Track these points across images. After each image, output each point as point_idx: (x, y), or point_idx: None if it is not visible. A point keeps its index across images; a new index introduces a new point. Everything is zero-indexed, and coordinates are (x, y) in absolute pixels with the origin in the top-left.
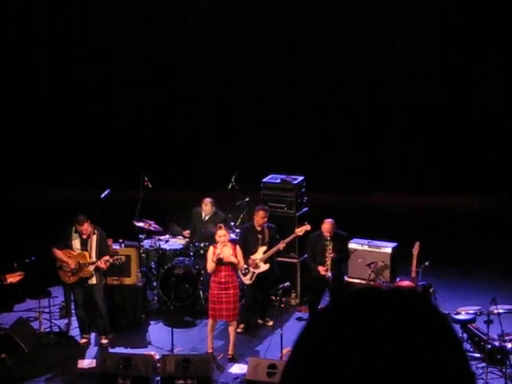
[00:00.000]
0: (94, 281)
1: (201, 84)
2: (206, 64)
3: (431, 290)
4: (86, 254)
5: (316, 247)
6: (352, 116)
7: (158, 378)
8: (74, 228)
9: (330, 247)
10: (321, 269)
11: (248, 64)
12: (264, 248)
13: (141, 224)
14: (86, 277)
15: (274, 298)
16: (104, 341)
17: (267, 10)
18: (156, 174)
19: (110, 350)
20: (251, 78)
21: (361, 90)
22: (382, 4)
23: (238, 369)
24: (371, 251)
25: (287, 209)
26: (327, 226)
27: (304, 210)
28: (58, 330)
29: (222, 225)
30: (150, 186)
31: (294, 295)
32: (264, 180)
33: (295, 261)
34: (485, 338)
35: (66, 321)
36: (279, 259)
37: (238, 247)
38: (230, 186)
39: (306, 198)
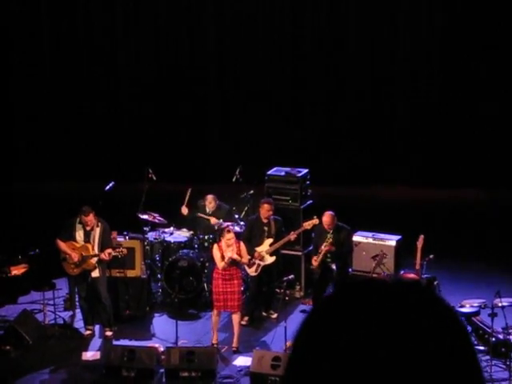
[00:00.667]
0: (97, 273)
1: (205, 77)
2: (211, 58)
3: (436, 282)
4: (89, 246)
5: (318, 240)
6: (356, 109)
7: (163, 370)
8: (77, 219)
9: (330, 240)
10: (313, 259)
11: (252, 58)
12: (270, 240)
13: (145, 216)
14: (90, 269)
15: (278, 290)
16: (108, 333)
17: (272, 9)
18: (160, 166)
19: (115, 342)
20: (256, 72)
21: (364, 84)
22: (385, 3)
23: (242, 361)
24: (375, 244)
25: (292, 201)
26: (326, 218)
27: (308, 202)
28: (62, 322)
29: (230, 229)
30: (155, 178)
31: (298, 288)
32: (268, 173)
33: (299, 253)
34: (489, 330)
35: (70, 313)
36: (284, 252)
37: (241, 244)
38: (234, 179)
39: (310, 191)
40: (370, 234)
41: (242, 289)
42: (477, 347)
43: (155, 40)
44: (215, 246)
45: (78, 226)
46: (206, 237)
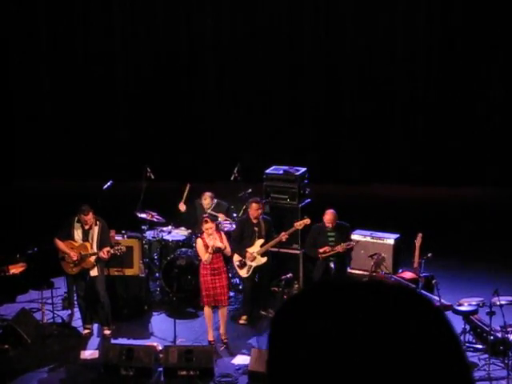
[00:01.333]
0: (95, 272)
1: (204, 76)
2: (210, 55)
3: (434, 281)
4: (88, 244)
5: (318, 238)
6: (354, 107)
7: (161, 369)
8: (76, 218)
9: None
10: (323, 249)
11: (251, 57)
12: (261, 241)
13: (143, 215)
14: (88, 268)
15: (276, 289)
16: (106, 332)
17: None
18: (158, 165)
19: (113, 341)
20: (254, 70)
21: (363, 82)
22: (383, 4)
23: (240, 360)
24: (374, 242)
25: (290, 200)
26: (328, 216)
27: (307, 201)
28: (60, 320)
29: (207, 218)
30: (153, 177)
31: (296, 286)
32: (267, 171)
33: (298, 252)
34: (487, 329)
35: (68, 312)
36: (282, 251)
37: (222, 233)
38: (232, 177)
39: (308, 190)
40: (369, 233)
41: (240, 288)
42: (475, 345)
43: (154, 39)
44: (198, 239)
45: (77, 225)
46: None
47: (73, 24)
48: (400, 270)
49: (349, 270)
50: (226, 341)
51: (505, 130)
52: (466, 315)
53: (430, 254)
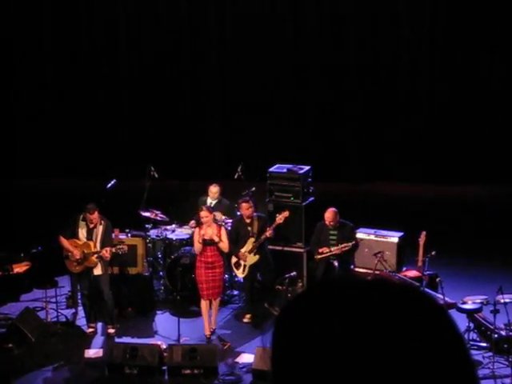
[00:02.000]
0: (99, 271)
1: (208, 74)
2: (213, 55)
3: (438, 279)
4: (91, 243)
5: (320, 235)
6: (357, 105)
7: (165, 368)
8: (81, 216)
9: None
10: (321, 249)
11: (254, 56)
12: (252, 240)
13: (147, 214)
14: (92, 267)
15: (280, 287)
16: (111, 330)
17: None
18: (162, 163)
19: (117, 340)
20: (258, 69)
21: (365, 80)
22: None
23: (244, 358)
24: (378, 241)
25: (293, 198)
26: (329, 214)
27: (310, 199)
28: (64, 319)
29: (203, 206)
30: (156, 175)
31: (300, 285)
32: (270, 170)
33: (301, 250)
34: (491, 327)
35: (72, 310)
36: (286, 249)
37: (222, 228)
38: (236, 176)
39: (312, 188)
40: (372, 231)
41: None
42: (479, 344)
43: (157, 39)
44: (196, 229)
45: (81, 224)
46: None
47: (75, 21)
48: (404, 268)
49: (352, 269)
50: (212, 330)
51: (508, 129)
52: (470, 313)
53: (433, 252)
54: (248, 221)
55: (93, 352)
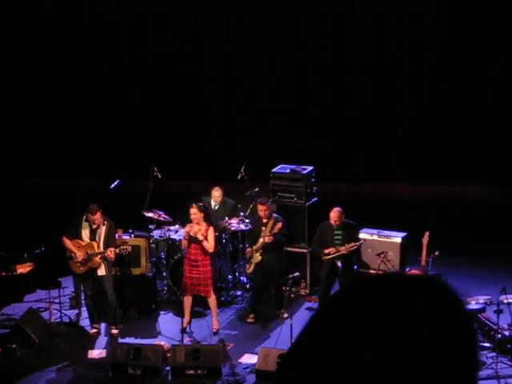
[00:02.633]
0: (103, 271)
1: (211, 75)
2: (216, 55)
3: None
4: (95, 244)
5: (325, 236)
6: (360, 106)
7: (168, 368)
8: (84, 217)
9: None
10: (327, 250)
11: (257, 56)
12: (261, 240)
13: (150, 214)
14: (95, 267)
15: (283, 288)
16: (114, 331)
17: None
18: (165, 164)
19: (120, 340)
20: (261, 69)
21: (369, 81)
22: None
23: (248, 359)
24: (381, 241)
25: (297, 199)
26: (333, 214)
27: (313, 200)
28: (68, 320)
29: (193, 204)
30: (160, 176)
31: (303, 285)
32: (273, 170)
33: (305, 251)
34: (495, 327)
35: (76, 311)
36: (289, 250)
37: (211, 228)
38: (239, 176)
39: (315, 188)
40: (376, 231)
41: (248, 286)
42: (482, 344)
43: (160, 39)
44: (187, 225)
45: (85, 224)
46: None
47: (79, 21)
48: (407, 269)
49: (356, 269)
50: (215, 331)
51: (506, 130)
52: (474, 313)
53: (437, 253)
54: (265, 221)
55: (96, 352)
